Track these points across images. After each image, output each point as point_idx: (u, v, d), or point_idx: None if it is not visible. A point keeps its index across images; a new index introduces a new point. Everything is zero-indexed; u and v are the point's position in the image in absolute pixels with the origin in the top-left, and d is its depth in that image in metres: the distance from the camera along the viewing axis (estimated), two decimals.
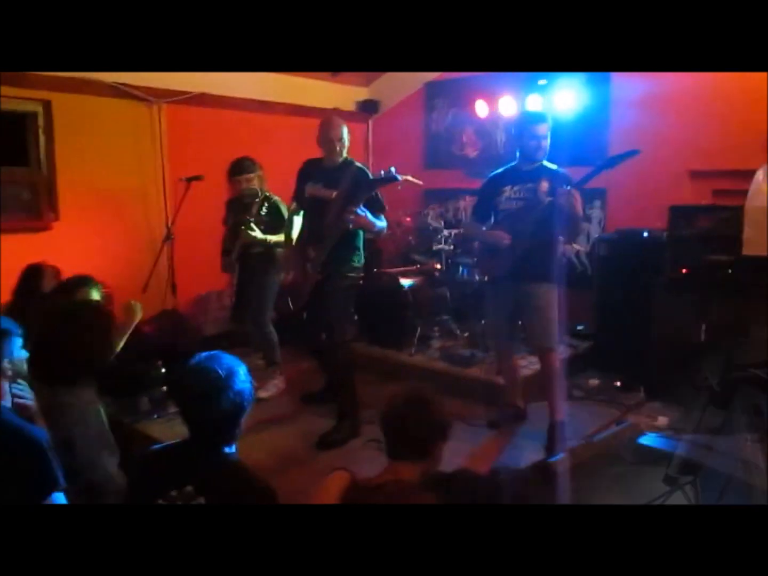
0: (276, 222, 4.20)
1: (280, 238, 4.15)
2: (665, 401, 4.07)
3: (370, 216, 3.47)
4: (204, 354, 1.89)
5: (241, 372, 1.87)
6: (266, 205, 4.15)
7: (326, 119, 3.71)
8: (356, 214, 3.38)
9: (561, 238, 3.61)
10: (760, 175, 3.87)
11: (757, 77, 4.43)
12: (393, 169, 3.37)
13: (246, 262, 4.32)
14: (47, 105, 4.69)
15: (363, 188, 3.41)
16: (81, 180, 4.87)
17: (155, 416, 3.85)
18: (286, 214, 4.20)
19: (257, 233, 4.10)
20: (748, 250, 3.80)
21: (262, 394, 4.28)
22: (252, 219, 4.10)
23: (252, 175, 4.21)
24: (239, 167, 4.23)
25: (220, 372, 1.80)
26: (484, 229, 3.74)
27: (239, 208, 4.25)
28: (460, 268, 5.21)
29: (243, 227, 4.10)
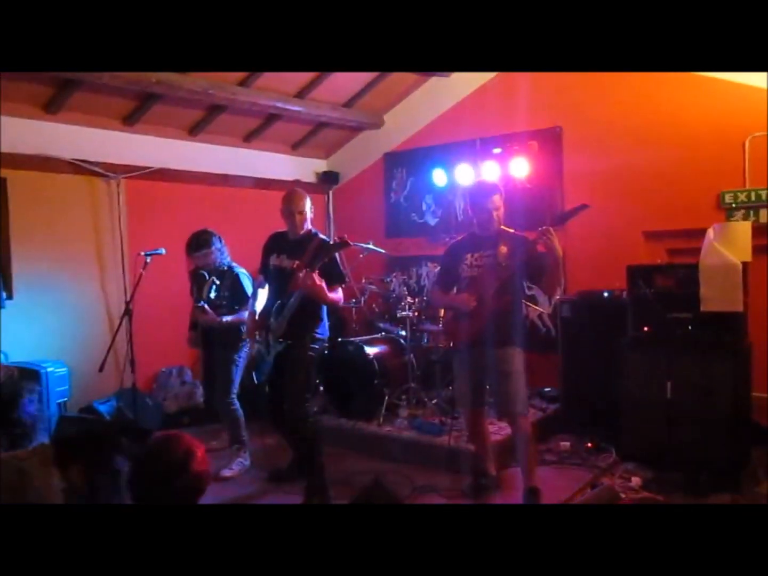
0: (238, 296, 4.14)
1: (239, 317, 4.08)
2: (638, 461, 4.03)
3: (323, 284, 3.38)
4: (160, 436, 1.82)
5: (198, 454, 1.79)
6: (216, 284, 4.08)
7: (288, 192, 3.73)
8: (310, 277, 3.32)
9: (534, 293, 3.62)
10: (711, 233, 3.99)
11: (702, 143, 4.66)
12: (346, 236, 3.38)
13: (209, 338, 4.24)
14: (2, 182, 4.63)
15: (319, 255, 3.41)
16: (36, 257, 4.77)
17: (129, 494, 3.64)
18: (250, 286, 4.15)
19: (209, 316, 4.04)
20: (705, 307, 3.87)
21: (227, 473, 4.11)
22: (204, 302, 4.03)
23: (209, 250, 4.14)
24: (195, 243, 4.16)
25: (177, 456, 1.72)
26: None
27: (201, 280, 4.20)
28: (425, 335, 5.19)
29: (197, 310, 4.05)
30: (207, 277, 4.15)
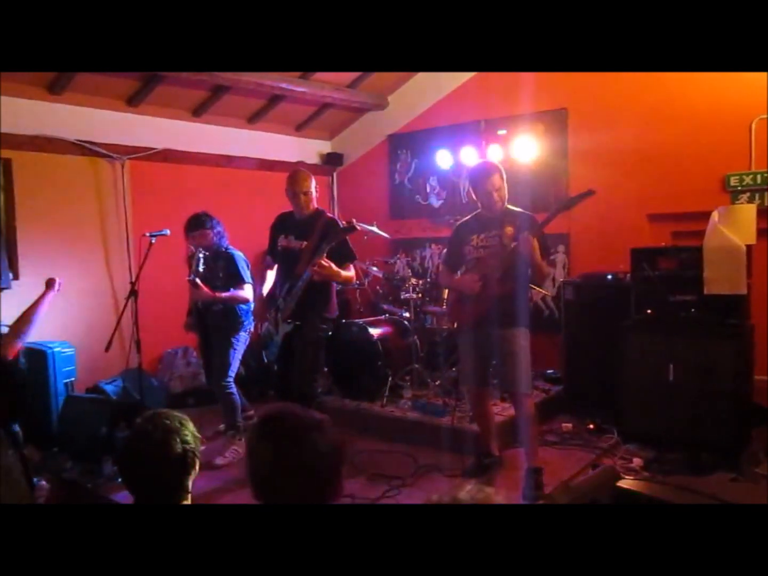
0: (233, 276, 4.11)
1: (237, 294, 4.06)
2: (639, 443, 4.07)
3: (334, 266, 3.45)
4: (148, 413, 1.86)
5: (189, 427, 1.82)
6: (204, 255, 4.03)
7: (292, 173, 3.74)
8: (320, 264, 3.37)
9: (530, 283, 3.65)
10: (715, 216, 3.99)
11: (708, 126, 4.64)
12: (354, 220, 3.45)
13: (206, 321, 4.22)
14: (7, 163, 4.63)
15: (328, 238, 3.43)
16: (42, 238, 4.79)
17: (120, 479, 3.68)
18: (244, 268, 4.14)
19: (202, 290, 3.95)
20: (708, 289, 3.88)
21: (219, 461, 4.04)
22: (194, 277, 3.96)
23: (205, 230, 4.10)
24: (192, 224, 4.13)
25: (169, 423, 1.77)
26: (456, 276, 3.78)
27: (192, 259, 4.14)
28: (429, 317, 5.21)
29: (190, 285, 4.00)
30: (195, 252, 4.10)
